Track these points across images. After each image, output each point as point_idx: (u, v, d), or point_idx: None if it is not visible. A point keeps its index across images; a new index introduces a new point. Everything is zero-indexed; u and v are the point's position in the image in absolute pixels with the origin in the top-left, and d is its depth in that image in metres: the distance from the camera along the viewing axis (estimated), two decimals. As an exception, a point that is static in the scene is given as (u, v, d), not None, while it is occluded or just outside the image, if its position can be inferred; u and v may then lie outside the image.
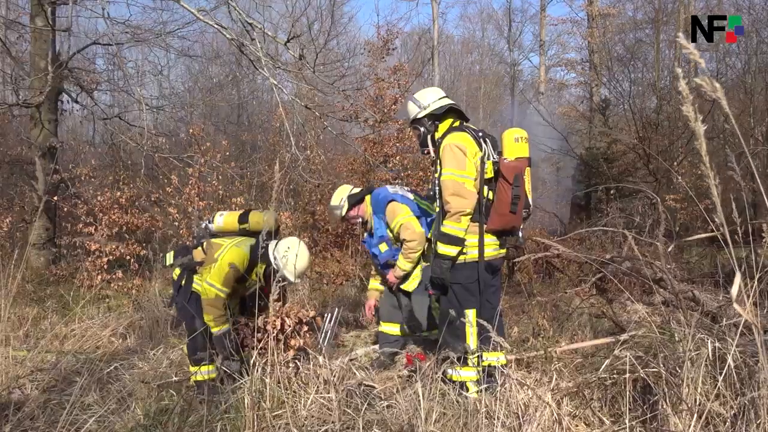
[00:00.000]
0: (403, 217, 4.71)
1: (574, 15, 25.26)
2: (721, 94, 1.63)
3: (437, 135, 3.95)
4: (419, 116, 3.99)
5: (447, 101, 3.99)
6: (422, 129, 4.01)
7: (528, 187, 3.93)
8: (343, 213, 5.05)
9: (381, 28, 12.98)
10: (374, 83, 10.47)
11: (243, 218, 4.49)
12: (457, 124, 3.95)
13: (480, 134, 3.87)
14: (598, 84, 17.31)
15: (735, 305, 1.85)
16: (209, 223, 4.62)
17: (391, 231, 4.81)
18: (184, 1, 4.93)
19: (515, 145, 3.85)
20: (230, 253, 4.12)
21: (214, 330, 4.08)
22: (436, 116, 3.96)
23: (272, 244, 4.22)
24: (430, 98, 4.00)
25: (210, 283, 4.05)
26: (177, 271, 4.43)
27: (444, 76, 26.94)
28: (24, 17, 12.02)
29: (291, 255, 4.14)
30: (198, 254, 4.34)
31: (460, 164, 3.67)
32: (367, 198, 5.03)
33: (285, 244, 4.20)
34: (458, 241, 3.68)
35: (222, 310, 4.08)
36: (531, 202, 4.02)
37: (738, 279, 1.83)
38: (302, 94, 10.27)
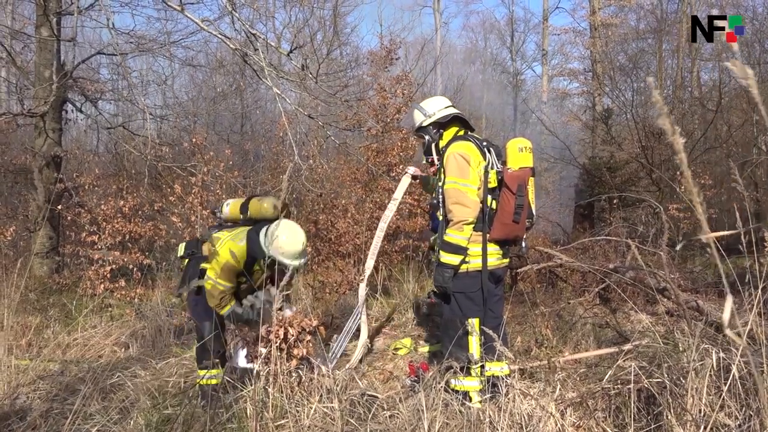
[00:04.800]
0: None
1: (577, 25, 25.32)
2: (752, 82, 1.59)
3: (441, 144, 3.96)
4: (424, 124, 4.00)
5: (452, 110, 4.00)
6: (427, 137, 4.02)
7: (531, 196, 3.94)
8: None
9: (384, 38, 13.01)
10: (377, 93, 10.50)
11: (243, 208, 4.39)
12: (461, 133, 3.96)
13: (484, 144, 3.88)
14: (600, 93, 17.33)
15: (727, 332, 1.79)
16: (218, 212, 4.59)
17: None
18: (189, 11, 4.96)
19: (519, 155, 3.86)
20: (225, 248, 4.00)
21: (221, 312, 4.09)
22: (441, 125, 3.97)
23: (262, 232, 3.97)
24: (435, 107, 4.02)
25: (208, 277, 4.03)
26: (186, 261, 4.44)
27: (447, 86, 27.01)
28: (29, 27, 12.09)
29: (282, 239, 3.87)
30: (206, 248, 4.30)
31: (464, 173, 3.68)
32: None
33: (273, 230, 3.91)
34: (460, 250, 3.69)
35: (218, 299, 4.03)
36: (534, 212, 4.02)
37: (729, 303, 1.75)
38: (305, 103, 10.30)
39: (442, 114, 3.97)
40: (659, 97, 1.51)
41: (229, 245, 4.01)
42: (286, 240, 3.88)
